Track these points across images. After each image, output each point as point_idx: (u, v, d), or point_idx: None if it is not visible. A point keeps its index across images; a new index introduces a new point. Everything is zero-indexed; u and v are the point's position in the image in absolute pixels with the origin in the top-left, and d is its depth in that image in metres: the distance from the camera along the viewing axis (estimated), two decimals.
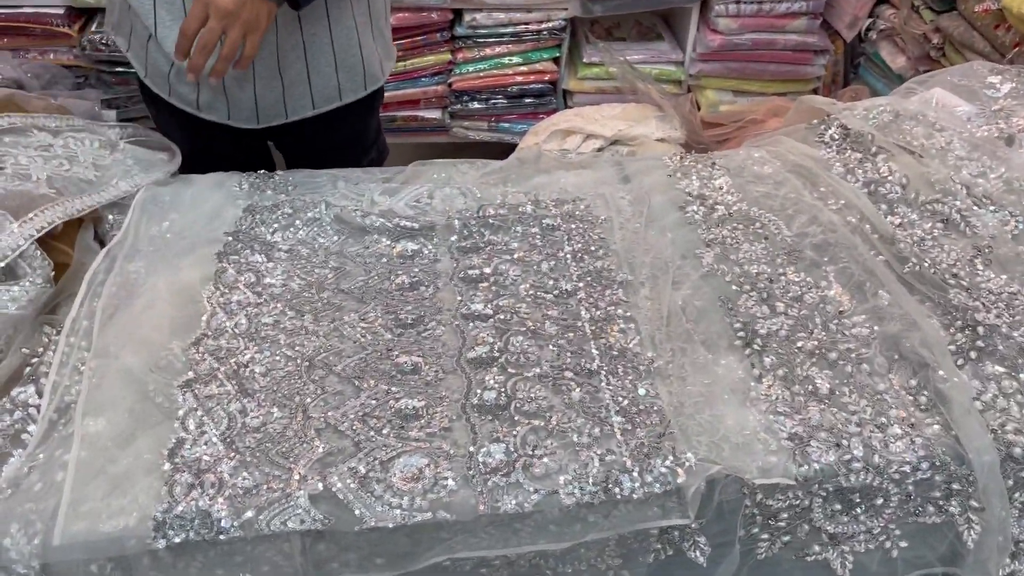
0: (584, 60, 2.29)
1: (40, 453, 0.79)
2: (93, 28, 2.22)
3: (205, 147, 1.32)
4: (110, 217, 1.07)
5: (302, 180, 1.23)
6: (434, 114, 2.35)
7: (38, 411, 0.83)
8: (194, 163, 1.32)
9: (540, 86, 2.34)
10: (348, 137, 1.40)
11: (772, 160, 1.32)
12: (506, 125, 2.39)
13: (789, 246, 1.12)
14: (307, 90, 1.27)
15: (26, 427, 0.81)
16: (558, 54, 2.31)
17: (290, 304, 0.98)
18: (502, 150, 2.44)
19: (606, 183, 1.26)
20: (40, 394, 0.84)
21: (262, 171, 1.24)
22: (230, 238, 1.08)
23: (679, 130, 1.99)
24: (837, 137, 1.32)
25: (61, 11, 2.18)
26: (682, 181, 1.26)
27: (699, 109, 2.33)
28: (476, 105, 2.34)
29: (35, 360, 0.88)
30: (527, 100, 2.36)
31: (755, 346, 0.95)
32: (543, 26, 2.25)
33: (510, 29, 2.25)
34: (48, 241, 0.97)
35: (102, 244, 1.04)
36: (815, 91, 2.35)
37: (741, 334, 0.97)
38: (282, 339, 0.93)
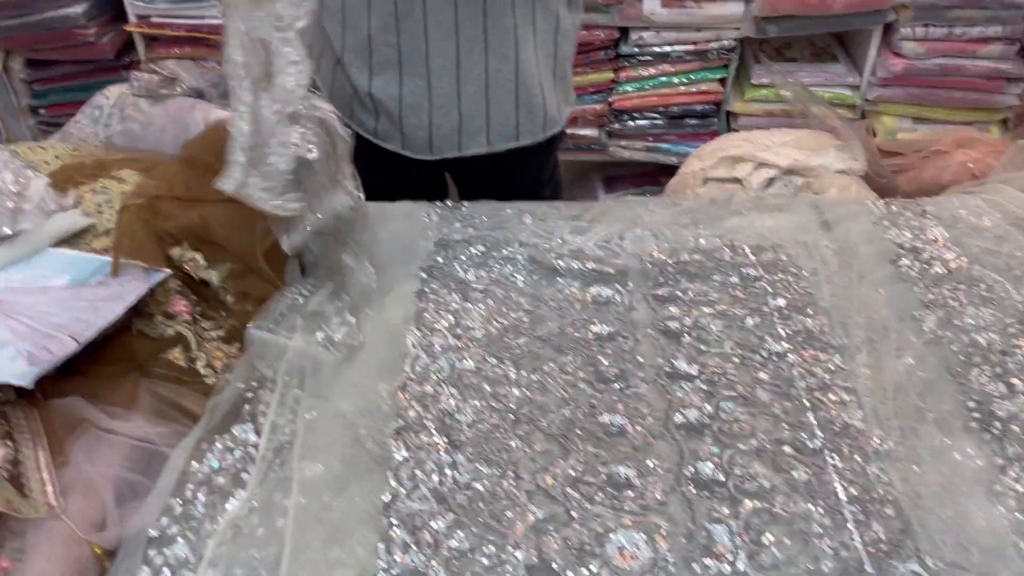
0: (753, 81, 2.20)
1: (258, 497, 0.80)
2: None
3: (381, 175, 1.32)
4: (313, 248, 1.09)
5: (489, 212, 1.22)
6: (591, 132, 2.32)
7: (256, 450, 0.84)
8: (369, 190, 1.33)
9: (703, 107, 2.27)
10: (524, 176, 1.39)
11: (990, 211, 1.21)
12: (665, 146, 2.33)
13: (1020, 313, 1.02)
14: (484, 125, 1.26)
15: (246, 466, 0.83)
16: (725, 75, 2.23)
17: (490, 350, 0.96)
18: (659, 171, 2.39)
19: (806, 229, 1.19)
20: (258, 433, 0.85)
21: (448, 201, 1.23)
22: (424, 275, 1.07)
23: (860, 160, 1.88)
24: None
25: None
26: (891, 230, 1.18)
27: (874, 136, 2.20)
28: (635, 124, 2.29)
29: (250, 395, 0.89)
30: (689, 121, 2.29)
31: (994, 431, 0.87)
32: (711, 45, 2.18)
33: (678, 48, 2.18)
34: (257, 269, 0.99)
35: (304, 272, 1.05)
36: (1004, 121, 2.18)
37: (976, 415, 0.89)
38: (485, 387, 0.91)
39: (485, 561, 0.74)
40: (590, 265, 1.09)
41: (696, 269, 1.10)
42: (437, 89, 1.23)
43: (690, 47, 2.18)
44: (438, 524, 0.77)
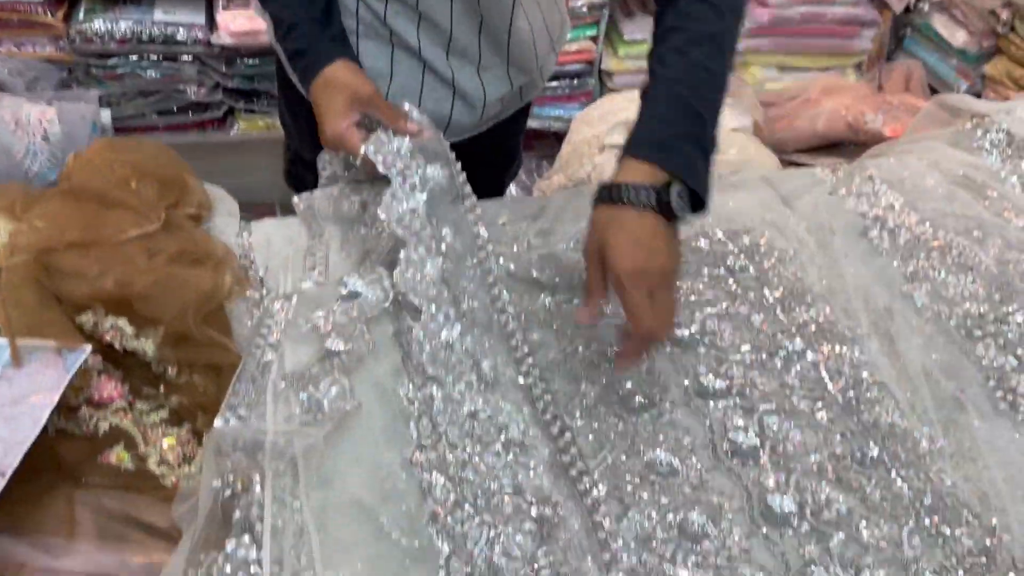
0: (625, 37, 2.14)
1: None
2: (80, 17, 1.95)
3: None
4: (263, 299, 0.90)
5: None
6: None
7: (261, 567, 0.67)
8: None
9: (577, 67, 2.18)
10: (506, 150, 1.26)
11: (929, 171, 1.21)
12: (539, 110, 2.23)
13: (997, 278, 1.02)
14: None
15: None
16: (595, 32, 2.16)
17: (496, 391, 0.83)
18: (535, 137, 2.29)
19: (770, 207, 1.14)
20: (258, 544, 0.68)
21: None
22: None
23: (748, 115, 1.88)
24: (1000, 143, 1.22)
25: None
26: (848, 200, 1.15)
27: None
28: None
29: (230, 494, 0.72)
30: (563, 83, 2.20)
31: (1022, 410, 0.86)
32: (579, 2, 2.09)
33: None
34: (196, 334, 0.80)
35: None
36: (859, 65, 2.26)
37: (999, 394, 0.88)
38: (505, 438, 0.79)
39: None
40: (571, 277, 0.98)
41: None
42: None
43: None
44: None
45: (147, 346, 0.76)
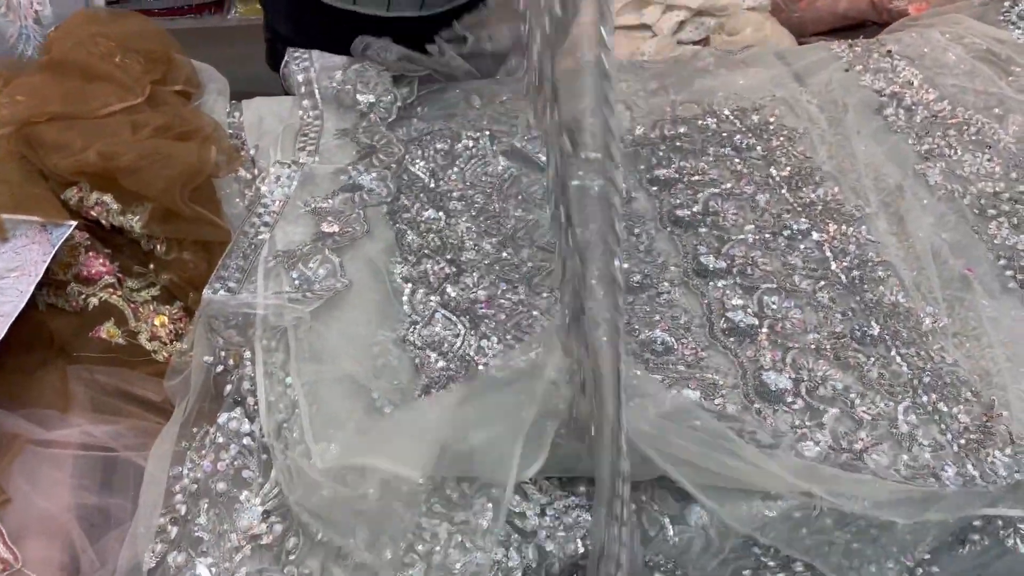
0: None
1: (272, 499, 0.65)
2: None
3: (314, 36, 1.08)
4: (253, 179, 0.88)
5: (427, 97, 1.04)
6: None
7: (252, 439, 0.68)
8: None
9: None
10: None
11: (952, 45, 1.15)
12: None
13: (1015, 156, 0.98)
14: None
15: (247, 462, 0.67)
16: None
17: (493, 272, 0.82)
18: None
19: (781, 84, 1.09)
20: (250, 418, 0.69)
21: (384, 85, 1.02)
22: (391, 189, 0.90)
23: None
24: None
25: None
26: (864, 76, 1.10)
27: None
28: None
29: (222, 370, 0.72)
30: None
31: None
32: None
33: None
34: (184, 210, 0.78)
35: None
36: None
37: (1009, 272, 0.85)
38: (503, 318, 0.78)
39: None
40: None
41: (686, 143, 0.98)
42: None
43: None
44: None
45: (134, 222, 0.75)
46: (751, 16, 1.73)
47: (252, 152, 0.94)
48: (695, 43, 1.77)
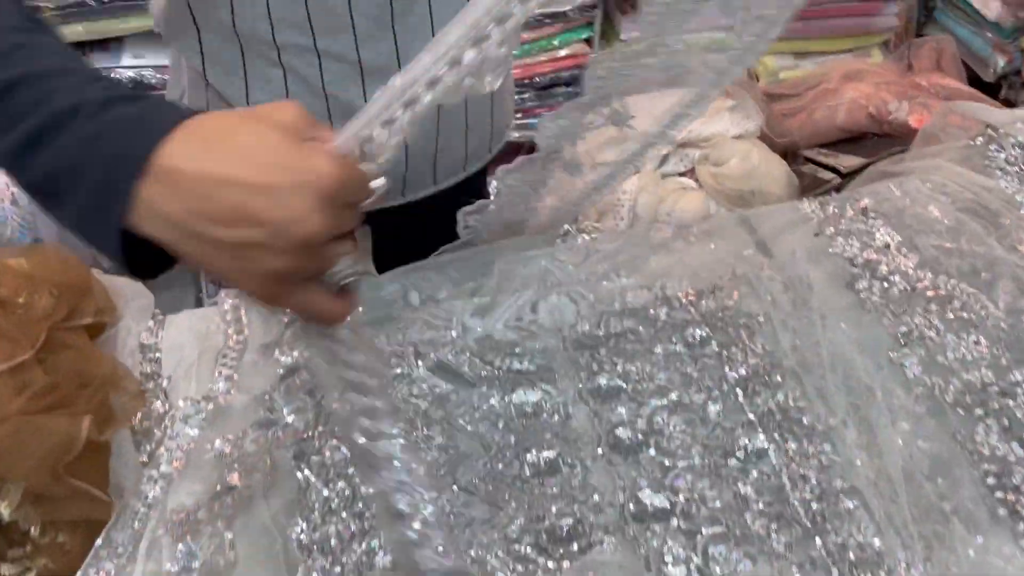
0: (622, 37, 2.00)
1: None
2: None
3: None
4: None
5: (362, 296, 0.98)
6: None
7: None
8: None
9: (572, 73, 2.05)
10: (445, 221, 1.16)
11: (935, 196, 1.06)
12: (536, 121, 2.11)
13: (1007, 335, 0.88)
14: (431, 166, 1.02)
15: None
16: (590, 34, 2.02)
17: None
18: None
19: (742, 257, 1.00)
20: None
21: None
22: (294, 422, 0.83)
23: (754, 118, 1.72)
24: (1015, 160, 1.06)
25: None
26: (836, 241, 1.01)
27: (757, 80, 2.05)
28: None
29: None
30: (558, 90, 2.07)
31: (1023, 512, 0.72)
32: (569, 6, 1.96)
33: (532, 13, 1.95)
34: (71, 487, 0.72)
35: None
36: (886, 43, 2.07)
37: (999, 494, 0.74)
38: None
39: None
40: (507, 364, 0.87)
41: (632, 341, 0.90)
42: None
43: (547, 9, 1.95)
44: None
45: (2, 507, 0.69)
46: (738, 145, 1.67)
47: (165, 383, 0.89)
48: (680, 175, 1.71)
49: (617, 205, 1.57)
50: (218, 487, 0.76)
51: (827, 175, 1.76)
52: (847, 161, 1.77)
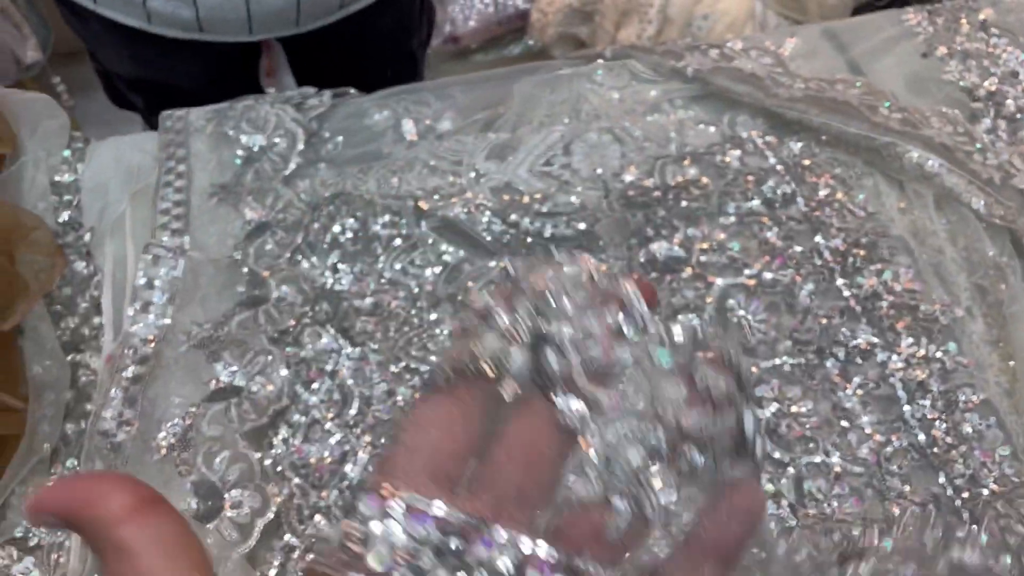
0: None
1: None
2: None
3: (159, 72, 0.84)
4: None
5: (340, 124, 0.76)
6: None
7: None
8: (147, 96, 0.86)
9: None
10: (387, 22, 0.90)
11: None
12: None
13: None
14: None
15: None
16: None
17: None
18: None
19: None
20: None
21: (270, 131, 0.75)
22: (250, 290, 0.64)
23: None
24: None
25: None
26: (949, 65, 0.79)
27: None
28: None
29: None
30: None
31: None
32: None
33: None
34: None
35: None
36: None
37: None
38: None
39: None
40: (534, 226, 0.67)
41: (696, 197, 0.70)
42: None
43: None
44: None
45: None
46: None
47: (88, 237, 0.68)
48: None
49: (644, 4, 1.30)
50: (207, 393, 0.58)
51: None
52: None
